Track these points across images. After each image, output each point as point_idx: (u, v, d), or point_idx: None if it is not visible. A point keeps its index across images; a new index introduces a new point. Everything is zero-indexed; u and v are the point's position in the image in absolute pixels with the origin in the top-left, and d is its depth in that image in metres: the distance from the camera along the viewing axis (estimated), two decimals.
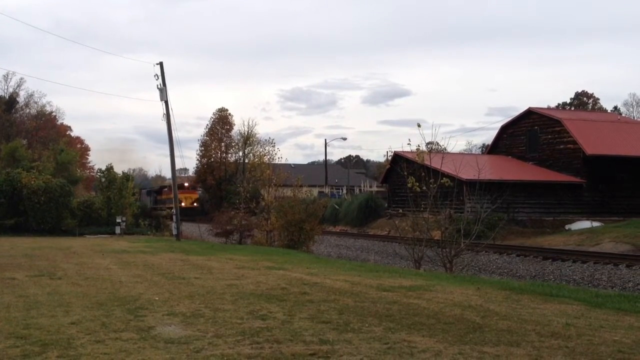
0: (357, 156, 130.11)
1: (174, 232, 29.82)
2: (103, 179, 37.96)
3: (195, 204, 62.37)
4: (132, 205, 37.87)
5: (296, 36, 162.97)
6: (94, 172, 66.25)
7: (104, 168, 38.75)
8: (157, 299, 9.24)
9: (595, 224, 36.69)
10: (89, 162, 79.52)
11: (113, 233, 33.39)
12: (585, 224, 37.04)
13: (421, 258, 17.82)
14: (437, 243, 17.80)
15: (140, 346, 6.16)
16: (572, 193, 42.72)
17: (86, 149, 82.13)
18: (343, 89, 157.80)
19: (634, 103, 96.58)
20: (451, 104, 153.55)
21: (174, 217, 30.02)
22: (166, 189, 63.85)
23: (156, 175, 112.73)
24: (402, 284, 10.94)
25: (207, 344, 6.25)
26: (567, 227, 37.66)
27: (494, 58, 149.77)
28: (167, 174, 78.12)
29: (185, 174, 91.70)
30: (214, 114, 78.23)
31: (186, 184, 65.39)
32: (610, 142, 44.42)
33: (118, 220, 33.82)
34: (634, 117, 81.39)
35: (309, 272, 12.96)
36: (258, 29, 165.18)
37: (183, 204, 48.72)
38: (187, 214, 53.22)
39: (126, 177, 38.91)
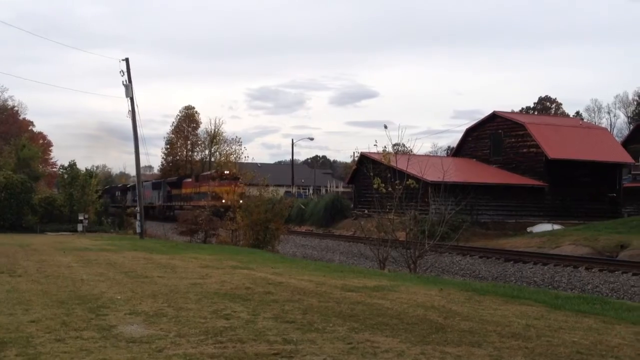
0: (324, 157, 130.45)
1: (138, 230, 29.48)
2: (65, 176, 37.36)
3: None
4: (94, 203, 37.32)
5: (265, 35, 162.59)
6: (56, 168, 64.70)
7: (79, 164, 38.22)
8: (119, 297, 9.13)
9: (556, 226, 37.36)
10: (51, 159, 78.06)
11: (75, 231, 32.90)
12: (546, 227, 37.69)
13: (386, 259, 17.93)
14: (402, 244, 17.93)
15: (102, 345, 6.08)
16: (534, 196, 43.43)
17: (49, 145, 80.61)
18: (311, 89, 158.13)
19: (595, 108, 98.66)
20: (418, 106, 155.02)
21: (138, 215, 29.66)
22: (189, 181, 52.40)
23: (120, 172, 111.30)
24: (367, 285, 10.99)
25: (169, 343, 6.20)
26: (528, 229, 38.26)
27: (461, 61, 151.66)
28: (132, 171, 76.10)
29: (150, 171, 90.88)
30: (180, 111, 77.79)
31: (226, 172, 46.08)
32: (572, 147, 45.29)
33: (80, 217, 33.31)
34: (595, 123, 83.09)
35: (273, 272, 12.94)
36: (226, 27, 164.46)
37: (224, 201, 37.14)
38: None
39: (89, 173, 38.40)
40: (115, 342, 6.22)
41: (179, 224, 31.03)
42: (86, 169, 39.68)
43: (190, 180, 53.41)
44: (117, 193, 70.66)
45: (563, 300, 9.95)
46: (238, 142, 74.63)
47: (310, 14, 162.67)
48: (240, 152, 72.74)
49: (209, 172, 48.35)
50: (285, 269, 13.64)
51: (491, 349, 6.20)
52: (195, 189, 49.59)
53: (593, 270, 19.04)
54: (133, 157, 30.29)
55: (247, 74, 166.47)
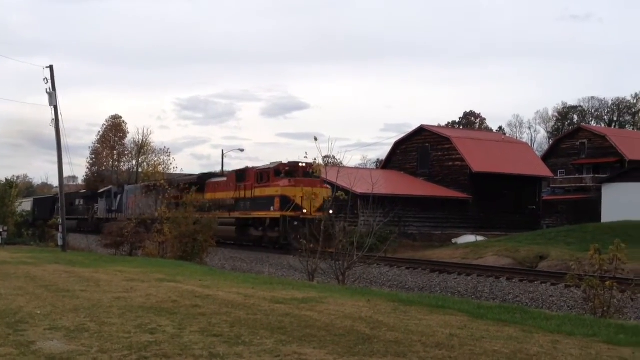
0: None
1: (60, 242, 28.52)
2: None
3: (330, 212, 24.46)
4: (14, 214, 35.91)
5: (195, 44, 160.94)
6: None
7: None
8: (38, 312, 8.81)
9: (480, 238, 38.45)
10: None
11: None
12: (470, 238, 38.73)
13: (315, 270, 17.99)
14: (331, 255, 18.03)
15: None
16: (459, 208, 44.59)
17: None
18: (242, 99, 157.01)
19: (517, 124, 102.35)
20: (349, 118, 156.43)
21: (60, 226, 28.71)
22: (221, 180, 36.81)
23: (42, 183, 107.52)
24: (295, 296, 11.00)
25: (91, 359, 6.02)
26: (453, 241, 39.22)
27: (391, 75, 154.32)
28: (54, 181, 73.58)
29: (73, 182, 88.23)
30: (107, 121, 76.09)
31: (301, 163, 30.36)
32: (495, 161, 46.80)
33: None
34: (516, 137, 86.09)
35: (201, 285, 12.76)
36: (156, 36, 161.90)
37: (305, 211, 27.78)
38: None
39: (9, 184, 36.91)
40: (34, 358, 6.00)
41: (103, 236, 30.20)
42: (6, 179, 38.13)
43: (223, 179, 37.13)
44: (77, 202, 58.05)
45: (485, 309, 10.23)
46: (167, 153, 73.56)
47: (242, 25, 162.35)
48: (169, 163, 71.68)
49: (266, 167, 30.98)
50: (213, 282, 13.48)
51: (416, 358, 6.31)
52: (235, 193, 33.25)
53: (514, 281, 19.65)
54: (56, 166, 29.35)
55: (176, 83, 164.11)
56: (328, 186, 29.00)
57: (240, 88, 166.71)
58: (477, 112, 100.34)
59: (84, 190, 62.57)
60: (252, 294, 11.34)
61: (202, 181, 37.73)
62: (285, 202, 28.35)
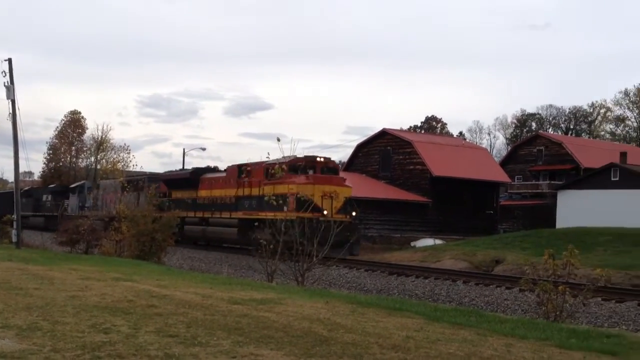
0: (216, 167, 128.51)
1: (14, 239, 27.88)
2: None
3: (353, 214, 26.33)
4: None
5: (158, 41, 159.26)
6: None
7: None
8: None
9: (438, 241, 38.89)
10: None
11: None
12: (428, 242, 39.14)
13: (274, 271, 17.95)
14: (291, 256, 18.01)
15: None
16: (419, 212, 45.02)
17: None
18: (205, 98, 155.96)
19: (477, 129, 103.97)
20: (312, 120, 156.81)
21: (14, 222, 28.07)
22: (219, 176, 32.71)
23: None
24: (254, 297, 10.96)
25: (43, 358, 5.90)
26: (412, 244, 39.60)
27: (355, 78, 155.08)
28: (10, 176, 71.82)
29: (29, 177, 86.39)
30: (65, 116, 74.74)
31: (319, 157, 28.22)
32: (455, 165, 47.39)
33: None
34: (476, 143, 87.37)
35: (158, 284, 12.63)
36: (118, 31, 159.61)
37: (326, 212, 24.78)
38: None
39: None
40: None
41: (59, 233, 29.63)
42: None
43: (221, 175, 32.26)
44: (45, 197, 54.18)
45: (441, 312, 10.35)
46: (126, 150, 72.55)
47: (205, 23, 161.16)
48: (129, 160, 70.76)
49: (278, 161, 26.33)
50: (170, 282, 13.35)
51: None
52: (238, 190, 29.15)
53: (470, 284, 19.92)
54: (12, 161, 28.68)
55: (138, 80, 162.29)
56: (349, 184, 27.08)
57: (204, 87, 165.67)
58: (438, 117, 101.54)
59: (53, 185, 58.60)
60: (210, 294, 11.27)
61: (195, 176, 34.26)
62: (302, 201, 24.87)
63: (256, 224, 26.68)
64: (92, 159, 74.17)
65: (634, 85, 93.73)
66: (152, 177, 40.18)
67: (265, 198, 22.46)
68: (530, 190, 62.00)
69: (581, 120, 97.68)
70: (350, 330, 8.00)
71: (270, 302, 10.35)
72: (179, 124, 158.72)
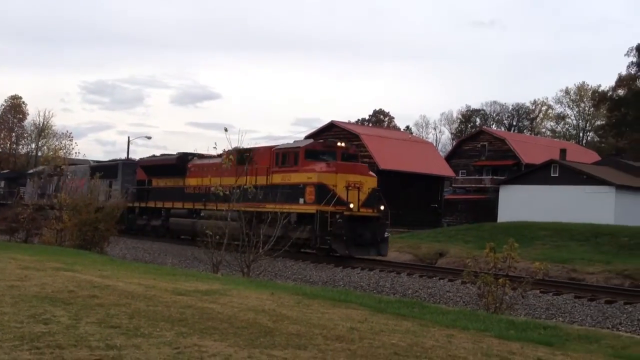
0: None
1: None
2: None
3: (381, 208, 23.44)
4: None
5: (102, 26, 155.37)
6: None
7: None
8: None
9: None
10: None
11: None
12: None
13: (220, 262, 17.86)
14: (236, 248, 17.95)
15: None
16: None
17: None
18: (151, 86, 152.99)
19: (423, 124, 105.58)
20: (260, 111, 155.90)
21: None
22: (209, 162, 28.58)
23: None
24: (198, 288, 10.89)
25: None
26: None
27: (304, 69, 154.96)
28: None
29: None
30: (5, 101, 72.50)
31: (339, 142, 25.43)
32: (401, 159, 47.96)
33: None
34: (423, 137, 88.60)
35: (100, 275, 12.40)
36: (61, 14, 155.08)
37: (352, 206, 22.10)
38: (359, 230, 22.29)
39: None
40: None
41: None
42: None
43: (215, 161, 27.33)
44: None
45: (385, 304, 10.50)
46: (69, 137, 70.82)
47: (152, 9, 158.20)
48: (71, 148, 69.07)
49: (291, 145, 24.99)
50: (113, 272, 13.13)
51: (316, 351, 6.40)
52: (238, 178, 22.98)
53: (414, 276, 20.23)
54: None
55: (82, 65, 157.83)
56: (373, 174, 24.38)
57: (149, 74, 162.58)
58: (386, 110, 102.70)
59: (6, 171, 54.34)
60: (154, 285, 11.13)
61: (182, 162, 30.31)
62: (324, 192, 22.06)
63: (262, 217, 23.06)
64: (33, 145, 72.23)
65: (574, 84, 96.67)
66: (127, 163, 37.37)
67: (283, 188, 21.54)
68: (473, 185, 63.36)
69: (523, 117, 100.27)
70: (295, 321, 8.04)
71: (215, 293, 10.30)
72: (124, 111, 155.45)
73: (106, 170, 34.85)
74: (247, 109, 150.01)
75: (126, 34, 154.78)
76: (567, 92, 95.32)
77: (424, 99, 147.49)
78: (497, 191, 51.35)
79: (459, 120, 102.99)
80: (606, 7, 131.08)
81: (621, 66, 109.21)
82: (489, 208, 49.36)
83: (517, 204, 46.10)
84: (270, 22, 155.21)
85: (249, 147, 24.53)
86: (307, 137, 52.79)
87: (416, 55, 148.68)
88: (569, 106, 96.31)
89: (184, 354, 5.95)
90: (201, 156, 30.48)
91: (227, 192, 19.28)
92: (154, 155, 36.11)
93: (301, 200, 22.87)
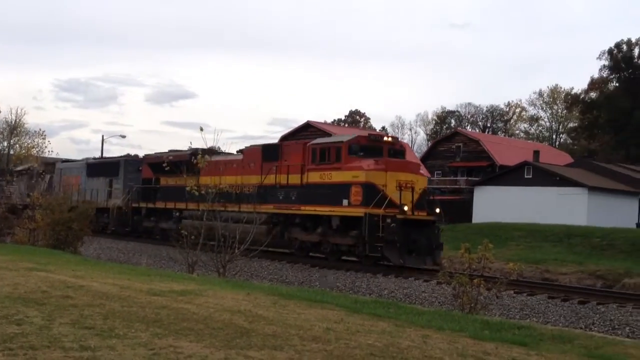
0: (137, 155, 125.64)
1: None
2: None
3: (437, 211, 21.37)
4: None
5: (76, 23, 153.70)
6: None
7: None
8: None
9: None
10: None
11: None
12: None
13: (195, 262, 17.76)
14: (212, 248, 17.85)
15: None
16: None
17: None
18: (125, 84, 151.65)
19: (399, 125, 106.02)
20: (236, 110, 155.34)
21: None
22: (216, 162, 26.03)
23: None
24: (174, 289, 10.81)
25: None
26: None
27: (280, 69, 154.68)
28: None
29: None
30: None
31: (386, 137, 23.20)
32: None
33: None
34: (399, 138, 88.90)
35: (74, 275, 12.26)
36: (34, 11, 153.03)
37: (406, 208, 19.89)
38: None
39: None
40: None
41: None
42: None
43: (236, 157, 26.59)
44: None
45: (361, 304, 10.53)
46: (42, 135, 69.76)
47: (129, 8, 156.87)
48: (44, 146, 68.08)
49: (330, 140, 23.33)
50: (87, 272, 12.98)
51: (292, 351, 6.39)
52: (263, 177, 23.48)
53: (390, 277, 20.29)
54: None
55: (55, 63, 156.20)
56: (423, 173, 21.80)
57: (124, 72, 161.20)
58: (362, 111, 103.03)
59: None
60: (128, 285, 11.03)
61: (196, 159, 27.02)
62: (372, 192, 19.98)
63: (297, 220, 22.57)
64: (5, 143, 71.12)
65: (548, 87, 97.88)
66: (131, 160, 33.91)
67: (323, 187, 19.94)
68: (448, 186, 63.72)
69: (498, 119, 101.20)
70: (271, 322, 8.02)
71: (190, 294, 10.23)
72: (98, 109, 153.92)
73: (106, 167, 32.76)
74: (223, 109, 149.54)
75: (101, 31, 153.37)
76: (540, 94, 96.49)
77: (399, 100, 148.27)
78: (471, 192, 51.76)
79: (434, 122, 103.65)
80: (579, 11, 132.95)
81: (593, 69, 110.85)
82: (464, 209, 49.69)
83: (492, 205, 46.53)
84: (246, 21, 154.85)
85: (275, 142, 22.92)
86: (283, 137, 52.73)
87: (392, 56, 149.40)
88: (542, 108, 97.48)
89: (159, 355, 5.91)
90: (215, 152, 27.72)
91: (251, 192, 18.03)
92: (160, 153, 32.83)
93: (345, 202, 20.71)
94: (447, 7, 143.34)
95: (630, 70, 72.90)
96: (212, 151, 28.09)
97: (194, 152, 27.41)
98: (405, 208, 19.79)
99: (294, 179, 22.60)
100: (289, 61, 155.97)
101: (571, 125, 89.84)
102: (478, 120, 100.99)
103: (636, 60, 73.21)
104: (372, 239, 19.71)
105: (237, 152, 27.49)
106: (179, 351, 6.11)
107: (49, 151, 64.93)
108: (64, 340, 6.26)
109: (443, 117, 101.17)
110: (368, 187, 20.10)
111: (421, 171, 21.91)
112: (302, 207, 21.90)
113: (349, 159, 21.01)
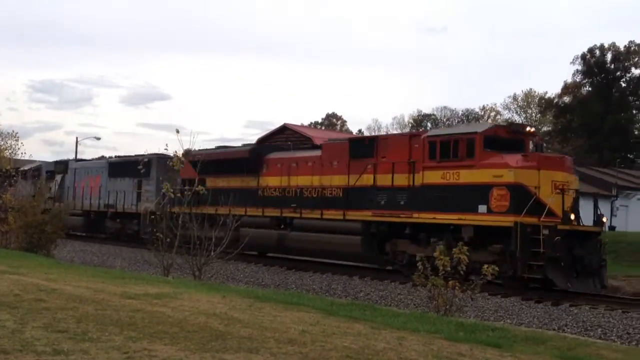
0: (111, 157, 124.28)
1: None
2: None
3: (603, 220, 18.44)
4: None
5: (50, 24, 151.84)
6: None
7: None
8: None
9: None
10: None
11: None
12: None
13: (170, 265, 17.62)
14: (188, 250, 17.73)
15: None
16: None
17: None
18: (100, 85, 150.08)
19: (376, 128, 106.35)
20: (212, 112, 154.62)
21: None
22: (283, 159, 23.44)
23: None
24: (148, 292, 10.73)
25: None
26: None
27: (256, 71, 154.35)
28: None
29: None
30: None
31: (530, 129, 18.73)
32: None
33: None
34: None
35: (47, 278, 12.10)
36: (7, 11, 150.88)
37: (572, 217, 16.75)
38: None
39: None
40: None
41: None
42: None
43: (311, 154, 23.16)
44: None
45: (337, 306, 10.55)
46: (14, 137, 68.79)
47: (103, 8, 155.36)
48: (17, 148, 67.09)
49: (455, 131, 19.48)
50: (60, 275, 12.83)
51: (268, 354, 6.38)
52: (354, 177, 20.16)
53: (366, 279, 20.35)
54: None
55: (29, 63, 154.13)
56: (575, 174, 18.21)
57: (98, 73, 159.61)
58: (338, 114, 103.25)
59: None
60: (102, 288, 10.93)
61: (257, 156, 23.81)
62: (523, 196, 16.31)
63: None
64: None
65: (522, 91, 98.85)
66: (164, 157, 25.61)
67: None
68: None
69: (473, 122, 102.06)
70: (247, 324, 8.00)
71: (165, 297, 10.16)
72: (72, 111, 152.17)
73: (132, 166, 28.01)
74: (199, 111, 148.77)
75: (76, 32, 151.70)
76: (514, 98, 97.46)
77: (376, 102, 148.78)
78: None
79: (410, 125, 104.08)
80: (553, 15, 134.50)
81: (567, 74, 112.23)
82: None
83: None
84: (221, 23, 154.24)
85: (367, 135, 19.85)
86: (260, 140, 52.59)
87: (369, 59, 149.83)
88: (516, 112, 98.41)
89: (133, 359, 5.86)
90: (279, 148, 24.94)
91: (335, 195, 15.22)
92: (206, 149, 27.08)
93: (482, 208, 16.96)
94: (425, 11, 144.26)
95: (602, 75, 74.12)
96: (275, 147, 25.11)
97: (255, 149, 24.00)
98: (572, 217, 16.49)
99: (401, 180, 18.96)
100: (265, 64, 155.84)
101: (545, 129, 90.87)
102: (453, 123, 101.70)
103: (608, 65, 74.44)
104: (524, 256, 16.06)
105: (311, 147, 23.71)
106: (154, 354, 6.07)
107: (22, 153, 63.83)
108: (36, 344, 6.19)
109: (419, 120, 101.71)
110: (517, 189, 16.42)
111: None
112: (415, 214, 18.49)
113: (485, 155, 17.29)
